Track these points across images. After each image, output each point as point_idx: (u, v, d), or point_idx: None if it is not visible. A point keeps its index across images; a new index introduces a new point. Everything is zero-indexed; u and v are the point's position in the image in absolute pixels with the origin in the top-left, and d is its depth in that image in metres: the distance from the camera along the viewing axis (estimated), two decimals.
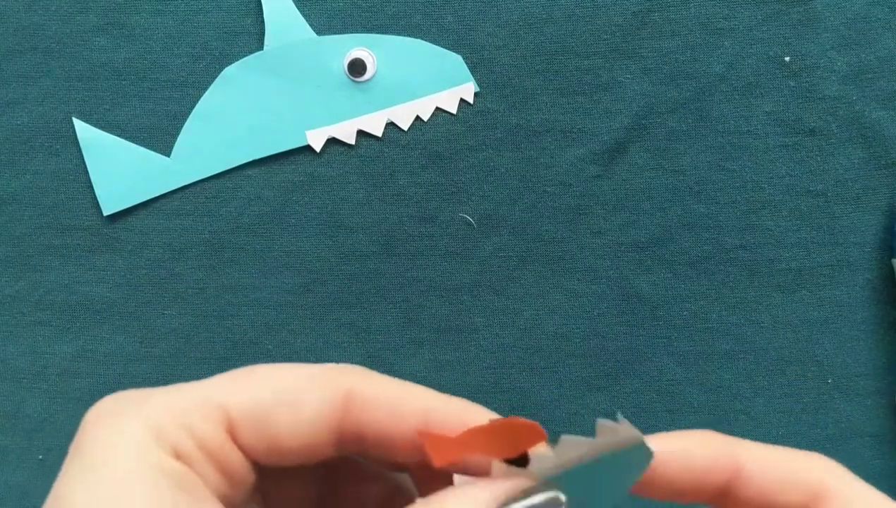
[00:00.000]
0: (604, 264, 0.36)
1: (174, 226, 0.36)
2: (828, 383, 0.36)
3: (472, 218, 0.36)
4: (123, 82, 0.36)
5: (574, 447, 0.21)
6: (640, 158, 0.36)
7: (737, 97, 0.36)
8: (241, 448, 0.20)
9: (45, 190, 0.36)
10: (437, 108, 0.36)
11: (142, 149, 0.36)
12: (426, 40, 0.36)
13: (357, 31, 0.36)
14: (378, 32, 0.36)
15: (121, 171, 0.36)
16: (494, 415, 0.22)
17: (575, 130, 0.36)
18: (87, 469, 0.20)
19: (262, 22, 0.36)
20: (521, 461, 0.21)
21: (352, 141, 0.36)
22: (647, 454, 0.22)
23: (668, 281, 0.36)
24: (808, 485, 0.21)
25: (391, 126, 0.36)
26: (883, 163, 0.36)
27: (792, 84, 0.36)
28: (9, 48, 0.36)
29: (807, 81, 0.36)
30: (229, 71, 0.36)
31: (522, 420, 0.21)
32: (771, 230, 0.36)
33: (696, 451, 0.21)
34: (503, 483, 0.19)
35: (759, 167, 0.36)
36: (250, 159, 0.36)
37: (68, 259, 0.37)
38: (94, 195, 0.36)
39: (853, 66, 0.35)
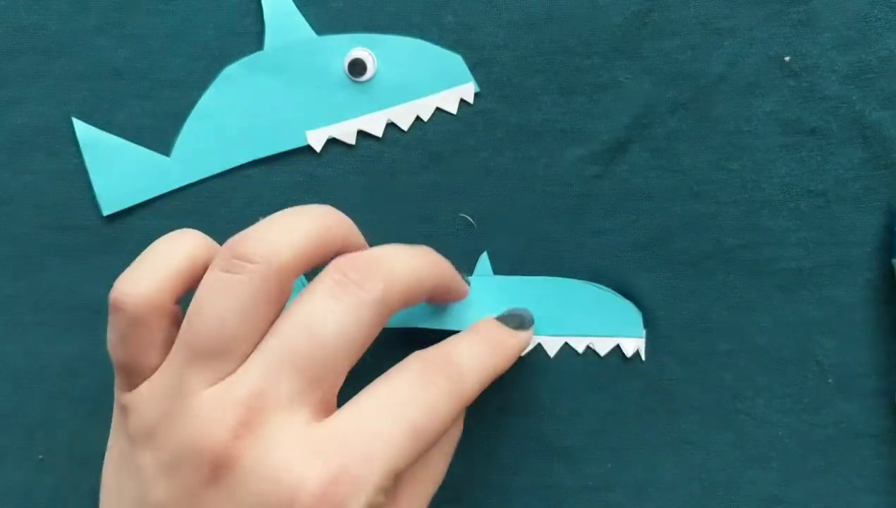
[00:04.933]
0: (604, 264, 0.36)
1: (174, 226, 0.36)
2: (828, 383, 0.36)
3: (472, 218, 0.36)
4: (123, 82, 0.36)
5: None
6: (640, 158, 0.36)
7: (737, 97, 0.36)
8: None
9: (45, 190, 0.36)
10: (437, 108, 0.36)
11: (142, 149, 0.36)
12: (426, 40, 0.36)
13: (357, 31, 0.36)
14: (378, 32, 0.36)
15: (121, 171, 0.36)
16: None
17: (575, 130, 0.36)
18: None
19: (262, 22, 0.36)
20: None
21: (352, 141, 0.36)
22: None
23: (668, 281, 0.36)
24: None
25: (391, 126, 0.36)
26: (883, 163, 0.36)
27: (792, 84, 0.36)
28: (9, 48, 0.36)
29: (807, 81, 0.36)
30: (229, 71, 0.36)
31: None
32: (771, 230, 0.36)
33: None
34: None
35: (759, 167, 0.36)
36: (250, 159, 0.36)
37: (68, 259, 0.37)
38: (94, 195, 0.36)
39: (853, 66, 0.35)
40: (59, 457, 0.37)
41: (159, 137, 0.36)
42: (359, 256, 0.28)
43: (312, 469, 0.24)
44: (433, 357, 0.28)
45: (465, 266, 0.36)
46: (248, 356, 0.25)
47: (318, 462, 0.24)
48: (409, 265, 0.28)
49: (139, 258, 0.28)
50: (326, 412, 0.26)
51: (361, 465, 0.24)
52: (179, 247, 0.28)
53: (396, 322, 0.36)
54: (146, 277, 0.27)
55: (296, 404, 0.25)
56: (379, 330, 0.28)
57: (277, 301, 0.26)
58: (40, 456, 0.37)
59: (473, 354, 0.28)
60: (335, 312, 0.26)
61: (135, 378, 0.27)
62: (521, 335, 0.32)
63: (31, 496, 0.37)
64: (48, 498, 0.37)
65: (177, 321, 0.27)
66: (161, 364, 0.27)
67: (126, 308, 0.26)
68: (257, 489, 0.23)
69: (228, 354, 0.25)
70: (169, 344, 0.27)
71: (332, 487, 0.23)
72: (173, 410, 0.25)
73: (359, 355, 0.27)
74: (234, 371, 0.25)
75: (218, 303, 0.25)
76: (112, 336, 0.27)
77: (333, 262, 0.28)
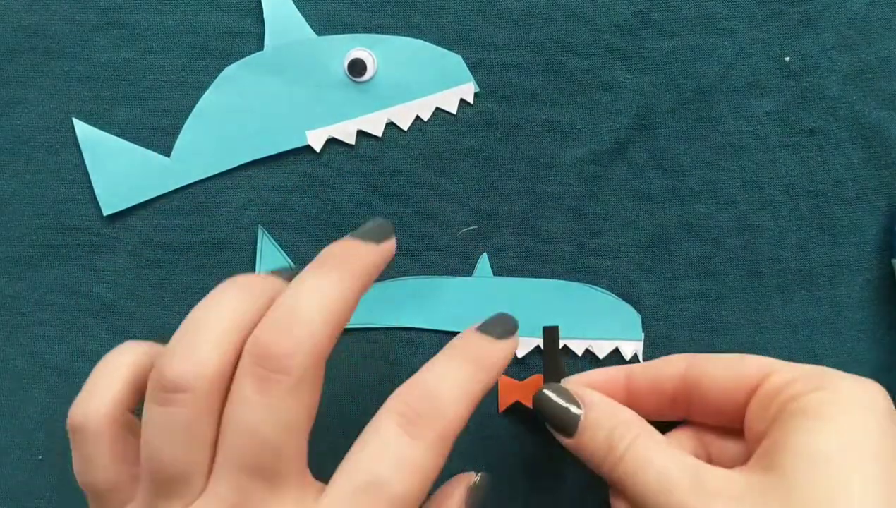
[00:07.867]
0: (604, 264, 0.36)
1: (174, 226, 0.36)
2: None
3: (472, 218, 0.36)
4: (123, 82, 0.36)
5: None
6: (640, 158, 0.36)
7: (737, 97, 0.36)
8: None
9: (45, 190, 0.36)
10: (437, 108, 0.36)
11: (142, 149, 0.36)
12: (426, 40, 0.36)
13: (357, 31, 0.36)
14: (378, 32, 0.36)
15: (121, 171, 0.36)
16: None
17: (575, 130, 0.36)
18: None
19: (262, 22, 0.36)
20: None
21: (352, 141, 0.36)
22: None
23: (668, 281, 0.36)
24: (759, 366, 0.29)
25: (391, 126, 0.36)
26: (883, 163, 0.36)
27: (792, 84, 0.36)
28: (9, 48, 0.36)
29: (807, 81, 0.36)
30: (229, 71, 0.36)
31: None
32: (771, 230, 0.36)
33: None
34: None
35: (759, 167, 0.36)
36: (250, 159, 0.36)
37: (68, 259, 0.37)
38: (94, 195, 0.36)
39: (853, 66, 0.35)
40: (59, 457, 0.37)
41: (159, 137, 0.36)
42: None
43: None
44: (411, 399, 0.26)
45: (466, 266, 0.36)
46: (209, 468, 0.26)
47: None
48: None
49: (86, 381, 0.29)
50: (305, 483, 0.26)
51: None
52: (121, 362, 0.29)
53: (396, 321, 0.36)
54: (96, 395, 0.28)
55: (271, 500, 0.25)
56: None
57: (217, 409, 0.26)
58: (40, 457, 0.37)
59: (454, 380, 0.27)
60: (262, 405, 0.26)
61: (107, 503, 0.28)
62: (505, 344, 0.29)
63: (31, 496, 0.37)
64: (48, 498, 0.37)
65: (135, 431, 0.28)
66: (126, 480, 0.28)
67: (84, 427, 0.27)
68: None
69: (189, 478, 0.26)
70: (131, 458, 0.28)
71: None
72: None
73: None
74: (202, 487, 0.26)
75: (164, 439, 0.26)
76: (77, 462, 0.28)
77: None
